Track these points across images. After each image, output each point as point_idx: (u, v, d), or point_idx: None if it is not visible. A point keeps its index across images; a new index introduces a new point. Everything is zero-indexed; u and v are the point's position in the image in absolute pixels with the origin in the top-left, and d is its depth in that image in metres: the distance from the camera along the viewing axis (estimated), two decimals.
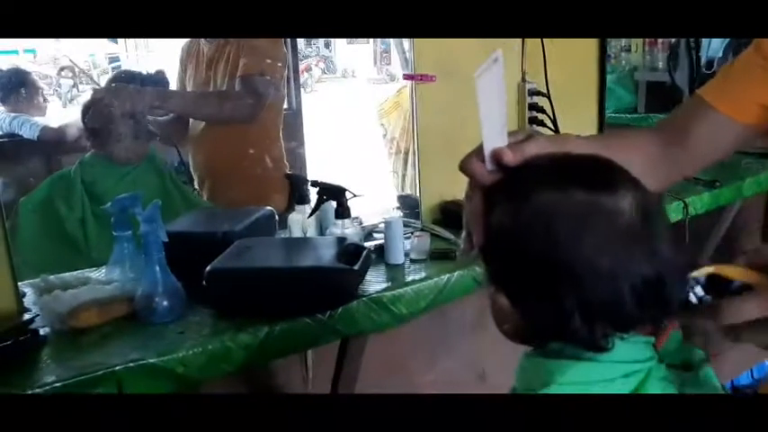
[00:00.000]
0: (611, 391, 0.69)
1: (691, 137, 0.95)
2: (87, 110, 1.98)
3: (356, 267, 1.31)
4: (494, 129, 0.74)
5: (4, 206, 1.29)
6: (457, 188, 1.84)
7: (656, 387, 0.70)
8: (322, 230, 1.62)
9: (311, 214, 1.57)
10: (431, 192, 1.85)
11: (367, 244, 1.53)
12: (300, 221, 1.61)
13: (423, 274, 1.47)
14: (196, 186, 2.22)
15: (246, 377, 1.58)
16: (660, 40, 3.34)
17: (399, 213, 1.94)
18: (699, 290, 0.69)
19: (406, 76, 1.79)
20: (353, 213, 1.58)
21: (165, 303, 1.27)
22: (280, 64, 2.10)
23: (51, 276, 1.38)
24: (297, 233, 1.61)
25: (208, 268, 1.29)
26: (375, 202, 2.06)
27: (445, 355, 1.95)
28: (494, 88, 0.73)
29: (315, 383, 1.70)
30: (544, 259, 0.67)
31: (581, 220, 0.67)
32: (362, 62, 16.46)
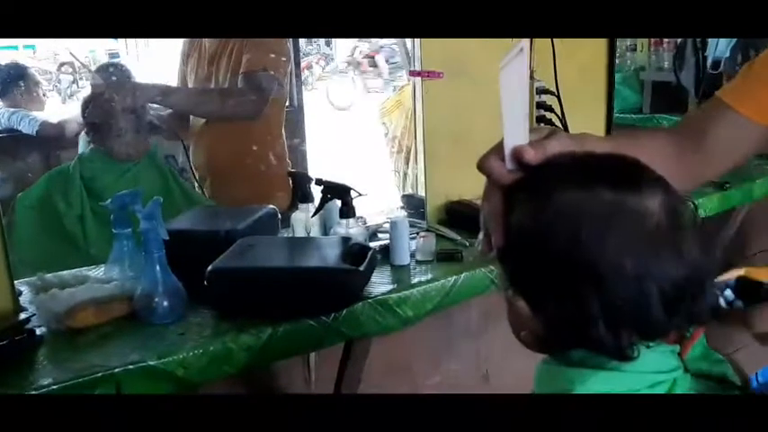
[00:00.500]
0: None
1: (709, 139, 0.92)
2: (87, 104, 1.94)
3: (362, 268, 1.28)
4: (515, 125, 0.71)
5: (1, 202, 1.27)
6: (463, 188, 1.84)
7: None
8: (326, 230, 1.59)
9: (315, 213, 1.54)
10: (436, 191, 1.82)
11: (371, 244, 1.50)
12: (304, 220, 1.58)
13: (429, 276, 1.44)
14: (197, 183, 2.18)
15: (247, 378, 1.55)
16: (666, 40, 3.31)
17: (404, 213, 1.90)
18: (729, 293, 0.66)
19: (413, 73, 1.75)
20: (357, 213, 1.55)
21: (166, 303, 1.24)
22: (284, 59, 2.07)
23: (48, 274, 1.35)
24: (300, 232, 1.58)
25: (209, 268, 1.26)
26: (378, 202, 2.03)
27: (449, 358, 1.93)
28: (517, 81, 0.70)
29: (317, 385, 1.67)
30: (568, 261, 0.64)
31: (608, 221, 0.63)
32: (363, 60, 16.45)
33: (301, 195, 1.61)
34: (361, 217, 1.59)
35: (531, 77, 1.94)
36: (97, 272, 1.46)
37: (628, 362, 0.65)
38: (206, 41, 2.14)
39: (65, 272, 1.40)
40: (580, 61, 2.03)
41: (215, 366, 1.16)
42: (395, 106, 4.41)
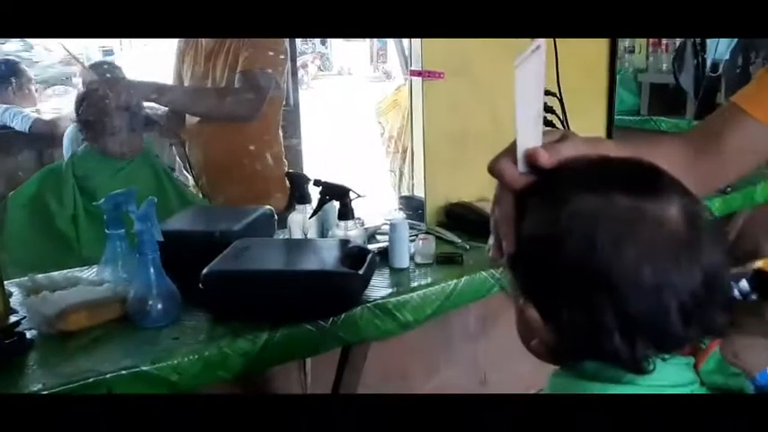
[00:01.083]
0: None
1: (724, 144, 0.91)
2: (81, 101, 1.91)
3: (361, 272, 1.25)
4: (529, 126, 0.68)
5: None
6: (463, 189, 1.82)
7: None
8: (323, 231, 1.56)
9: (313, 215, 1.51)
10: (435, 193, 1.79)
11: (370, 246, 1.47)
12: (301, 222, 1.55)
13: (429, 279, 1.42)
14: (192, 183, 2.16)
15: (242, 382, 1.52)
16: (664, 42, 3.29)
17: (402, 215, 1.88)
18: (744, 285, 0.63)
19: (413, 73, 1.73)
20: (355, 214, 1.52)
21: (160, 306, 1.21)
22: (282, 57, 2.04)
23: (40, 275, 1.32)
24: (297, 234, 1.55)
25: (204, 270, 1.23)
26: (376, 203, 2.01)
27: (446, 362, 1.90)
28: (532, 81, 0.67)
29: (313, 390, 1.64)
30: (583, 269, 0.62)
31: (626, 228, 0.61)
32: (359, 60, 16.49)
33: (299, 196, 1.58)
34: (360, 218, 1.56)
35: None
36: (89, 273, 1.43)
37: (643, 375, 0.63)
38: (203, 38, 2.11)
39: (56, 273, 1.37)
40: (581, 63, 2.00)
41: (210, 372, 1.13)
42: (391, 106, 4.39)
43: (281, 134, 2.21)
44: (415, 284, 1.39)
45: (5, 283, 1.23)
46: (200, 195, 2.10)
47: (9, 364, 1.09)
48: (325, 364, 1.53)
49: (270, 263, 1.29)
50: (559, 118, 1.90)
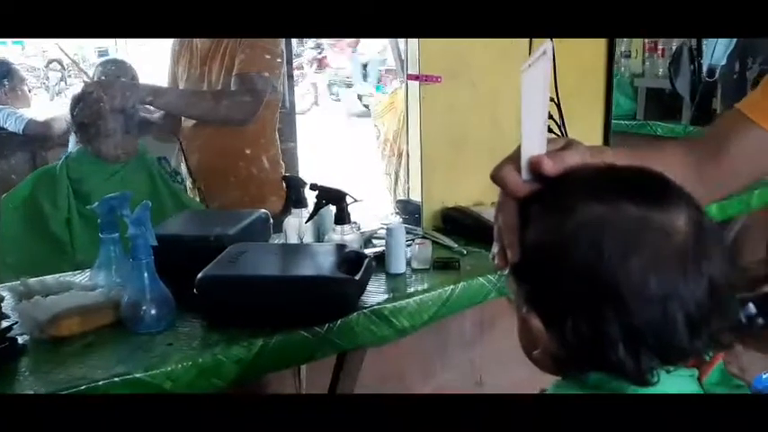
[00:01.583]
0: None
1: (730, 153, 0.89)
2: (77, 103, 1.90)
3: (357, 277, 1.24)
4: (533, 133, 0.67)
5: None
6: (459, 194, 1.81)
7: None
8: (319, 236, 1.55)
9: (309, 219, 1.50)
10: (432, 197, 1.78)
11: (366, 251, 1.46)
12: (297, 226, 1.54)
13: (425, 285, 1.40)
14: (192, 186, 2.14)
15: (236, 389, 1.50)
16: (660, 47, 3.29)
17: (398, 219, 1.87)
18: (751, 308, 0.62)
19: (411, 77, 1.72)
20: (351, 218, 1.50)
21: (153, 312, 1.19)
22: (279, 60, 2.02)
23: (32, 280, 1.31)
24: (293, 238, 1.53)
25: (199, 275, 1.21)
26: (371, 206, 2.00)
27: (442, 368, 1.89)
28: (539, 86, 0.66)
29: None
30: (590, 279, 0.61)
31: (633, 238, 0.60)
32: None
33: (295, 200, 1.57)
34: (356, 223, 1.54)
35: None
36: (83, 277, 1.41)
37: (648, 387, 0.62)
38: (198, 41, 2.09)
39: (49, 277, 1.36)
40: (578, 67, 1.99)
41: (204, 379, 1.11)
42: (387, 109, 4.38)
43: (277, 137, 2.19)
44: (411, 290, 1.38)
45: None
46: (197, 199, 2.09)
47: (1, 370, 1.07)
48: (320, 371, 1.52)
49: (265, 268, 1.28)
50: (557, 123, 1.89)
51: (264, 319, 1.21)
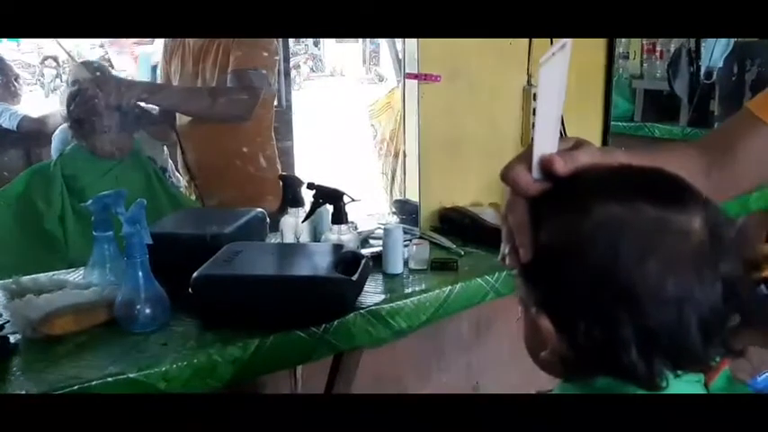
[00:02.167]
0: None
1: (740, 154, 0.88)
2: (73, 99, 1.88)
3: (355, 278, 1.23)
4: (547, 130, 0.66)
5: None
6: (457, 194, 1.80)
7: None
8: (316, 235, 1.54)
9: (306, 218, 1.49)
10: (429, 197, 1.77)
11: (363, 251, 1.45)
12: (293, 225, 1.52)
13: (423, 286, 1.39)
14: (185, 184, 2.12)
15: (231, 390, 1.49)
16: (658, 49, 3.29)
17: (396, 219, 1.85)
18: (763, 288, 0.62)
19: (410, 76, 1.70)
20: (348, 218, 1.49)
21: (148, 311, 1.18)
22: (277, 57, 2.01)
23: (24, 278, 1.29)
24: (289, 237, 1.52)
25: (194, 274, 1.20)
26: (367, 206, 1.98)
27: (439, 370, 1.88)
28: (555, 82, 0.64)
29: None
30: (605, 280, 0.59)
31: (651, 239, 0.59)
32: (351, 61, 16.48)
33: (292, 199, 1.56)
34: (353, 222, 1.53)
35: (529, 83, 1.90)
36: (76, 275, 1.40)
37: (657, 391, 0.60)
38: (190, 39, 2.07)
39: (42, 275, 1.34)
40: (577, 68, 1.98)
41: (199, 380, 1.10)
42: (383, 108, 4.37)
43: (273, 135, 2.18)
44: (409, 291, 1.37)
45: None
46: (193, 197, 2.07)
47: None
48: (316, 372, 1.50)
49: (261, 268, 1.26)
50: None
51: (260, 319, 1.19)
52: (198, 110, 1.99)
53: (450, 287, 1.41)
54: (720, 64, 2.96)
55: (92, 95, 1.83)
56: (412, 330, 1.36)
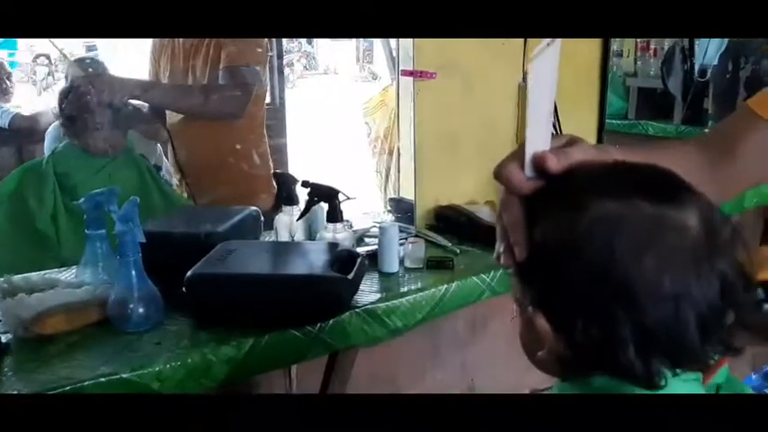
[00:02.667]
0: None
1: (740, 151, 0.87)
2: (65, 96, 1.86)
3: (350, 276, 1.22)
4: (539, 127, 0.65)
5: None
6: (453, 192, 1.79)
7: None
8: (311, 233, 1.53)
9: (301, 216, 1.48)
10: (425, 195, 1.76)
11: (358, 249, 1.44)
12: (288, 223, 1.51)
13: (419, 285, 1.38)
14: (177, 182, 2.10)
15: (226, 390, 1.48)
16: (652, 47, 3.29)
17: (391, 217, 1.85)
18: (759, 292, 0.61)
19: (405, 73, 1.69)
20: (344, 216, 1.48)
21: (141, 310, 1.17)
22: (271, 54, 1.99)
23: (16, 277, 1.27)
24: (284, 236, 1.51)
25: (188, 273, 1.19)
26: (362, 204, 1.97)
27: (434, 369, 1.87)
28: (546, 77, 0.64)
29: None
30: (603, 278, 0.59)
31: (647, 236, 0.59)
32: (344, 59, 16.47)
33: (286, 197, 1.55)
34: (348, 221, 1.52)
35: (524, 80, 1.89)
36: (68, 274, 1.39)
37: (655, 390, 0.60)
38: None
39: (33, 274, 1.32)
40: (572, 66, 1.98)
41: (193, 380, 1.09)
42: (378, 106, 4.36)
43: (265, 133, 2.16)
44: (404, 289, 1.36)
45: None
46: (185, 195, 2.05)
47: None
48: (311, 371, 1.49)
49: (256, 266, 1.26)
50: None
51: (255, 318, 1.19)
52: (191, 107, 1.97)
53: (445, 286, 1.40)
54: (715, 62, 2.96)
55: (84, 92, 1.81)
56: (407, 329, 1.35)
